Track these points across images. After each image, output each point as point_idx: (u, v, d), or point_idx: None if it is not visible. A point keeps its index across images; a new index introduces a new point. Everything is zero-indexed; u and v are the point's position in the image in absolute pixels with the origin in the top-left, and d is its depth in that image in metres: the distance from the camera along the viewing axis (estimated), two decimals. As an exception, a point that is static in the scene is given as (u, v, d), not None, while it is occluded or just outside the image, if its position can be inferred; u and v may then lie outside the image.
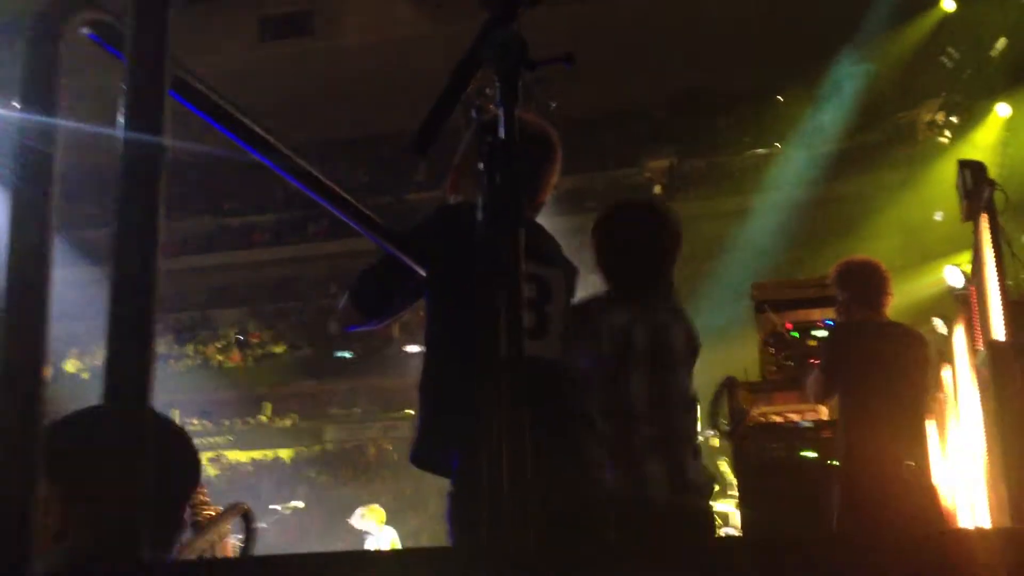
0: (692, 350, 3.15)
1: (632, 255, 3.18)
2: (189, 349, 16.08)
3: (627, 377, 3.02)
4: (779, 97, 13.58)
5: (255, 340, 16.23)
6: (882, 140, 12.84)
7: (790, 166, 13.23)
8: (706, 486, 3.14)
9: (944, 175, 10.17)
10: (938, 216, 10.42)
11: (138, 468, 0.82)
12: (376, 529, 10.23)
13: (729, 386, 4.61)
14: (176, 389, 13.58)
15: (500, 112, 1.28)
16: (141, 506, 0.82)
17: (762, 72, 12.50)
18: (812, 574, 0.90)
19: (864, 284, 4.59)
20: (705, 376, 3.59)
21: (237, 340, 16.18)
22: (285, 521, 11.38)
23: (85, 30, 1.22)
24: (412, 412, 15.71)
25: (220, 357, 16.04)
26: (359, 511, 10.43)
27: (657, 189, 14.03)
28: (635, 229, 3.21)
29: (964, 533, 2.35)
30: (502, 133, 1.26)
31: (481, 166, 1.33)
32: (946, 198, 10.05)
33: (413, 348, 15.30)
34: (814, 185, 12.78)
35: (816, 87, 12.42)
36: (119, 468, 0.82)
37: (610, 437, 2.89)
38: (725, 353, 5.31)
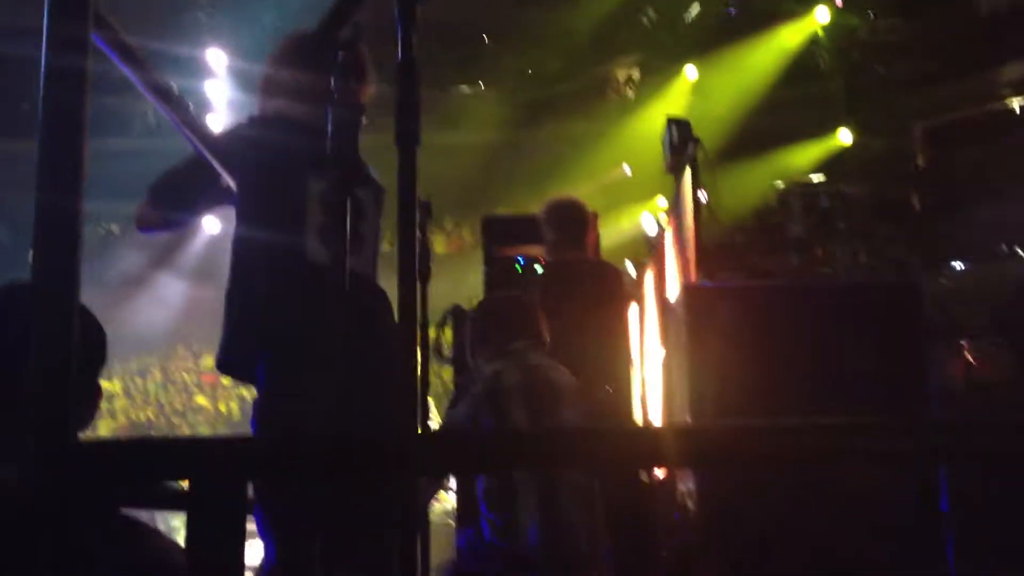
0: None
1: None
2: None
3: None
4: (484, 36, 13.84)
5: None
6: (578, 91, 13.42)
7: (491, 107, 13.57)
8: None
9: (634, 130, 10.90)
10: (627, 170, 11.14)
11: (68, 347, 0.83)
12: None
13: (455, 314, 4.80)
14: None
15: (398, 33, 1.30)
16: (70, 387, 0.83)
17: (470, 9, 12.66)
18: (518, 461, 1.03)
19: (569, 224, 4.94)
20: (431, 304, 3.77)
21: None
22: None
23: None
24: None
25: None
26: None
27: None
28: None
29: (656, 428, 2.71)
30: (400, 55, 1.28)
31: (333, 81, 1.35)
32: (634, 152, 10.80)
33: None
34: (512, 128, 13.20)
35: (521, 32, 12.76)
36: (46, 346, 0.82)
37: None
38: (451, 283, 5.49)
